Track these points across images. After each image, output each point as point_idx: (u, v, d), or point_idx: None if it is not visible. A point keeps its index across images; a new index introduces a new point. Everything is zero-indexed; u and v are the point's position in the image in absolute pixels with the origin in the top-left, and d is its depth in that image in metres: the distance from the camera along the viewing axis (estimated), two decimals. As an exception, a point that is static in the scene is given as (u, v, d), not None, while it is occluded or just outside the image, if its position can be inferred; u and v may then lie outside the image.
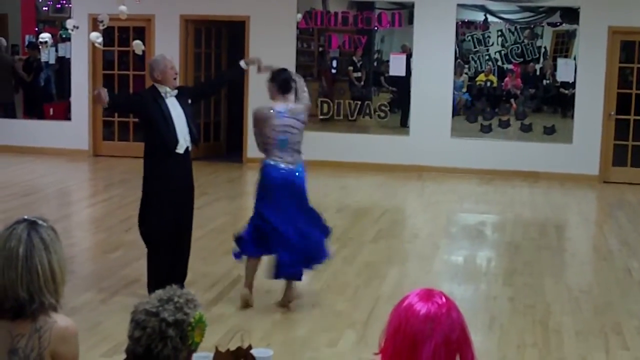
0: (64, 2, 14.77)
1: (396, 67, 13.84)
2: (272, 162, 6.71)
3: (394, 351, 2.39)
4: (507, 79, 13.68)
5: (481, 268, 8.42)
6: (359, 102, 14.05)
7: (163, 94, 6.75)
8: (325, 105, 14.11)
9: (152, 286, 6.43)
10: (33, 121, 15.08)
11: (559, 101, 13.53)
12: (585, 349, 6.14)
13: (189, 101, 6.96)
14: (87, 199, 11.90)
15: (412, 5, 13.70)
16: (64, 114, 14.93)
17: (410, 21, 13.74)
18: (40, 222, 3.09)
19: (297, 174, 6.75)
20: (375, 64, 14.06)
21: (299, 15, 13.70)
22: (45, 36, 14.76)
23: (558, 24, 13.42)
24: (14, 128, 14.93)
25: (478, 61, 13.73)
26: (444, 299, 2.42)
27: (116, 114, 14.49)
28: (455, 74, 13.71)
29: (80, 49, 14.45)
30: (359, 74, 14.05)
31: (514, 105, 13.66)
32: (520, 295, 7.39)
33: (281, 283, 7.38)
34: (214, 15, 14.23)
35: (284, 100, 6.79)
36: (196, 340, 2.72)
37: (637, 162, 13.38)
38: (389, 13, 13.81)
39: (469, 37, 13.68)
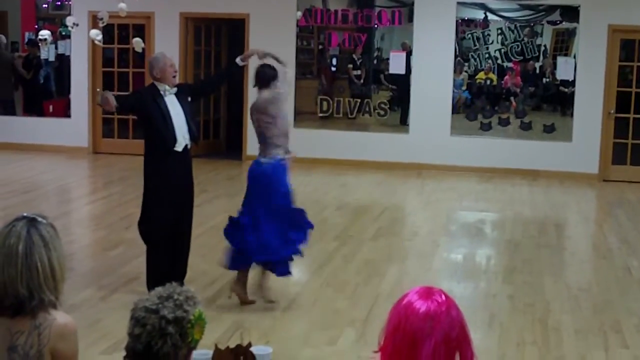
0: (64, -1, 14.77)
1: (396, 65, 13.84)
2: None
3: (394, 349, 2.39)
4: (506, 77, 13.68)
5: (481, 266, 8.42)
6: (359, 100, 14.05)
7: (162, 92, 6.75)
8: (324, 103, 14.11)
9: (152, 284, 6.43)
10: (33, 118, 15.07)
11: (558, 99, 13.53)
12: (584, 347, 6.14)
13: (189, 99, 6.96)
14: (86, 196, 11.90)
15: (412, 3, 13.69)
16: (64, 111, 14.92)
17: (410, 19, 13.74)
18: (39, 219, 3.09)
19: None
20: (375, 61, 14.06)
21: (299, 13, 13.69)
22: (44, 33, 14.75)
23: (558, 22, 13.41)
24: (13, 125, 14.93)
25: (478, 59, 13.73)
26: (443, 297, 2.42)
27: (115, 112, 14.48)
28: (455, 72, 13.71)
29: (80, 47, 14.45)
30: (359, 72, 14.05)
31: (514, 103, 13.65)
32: (520, 294, 7.39)
33: (281, 282, 7.39)
34: (213, 12, 14.22)
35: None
36: (196, 338, 2.72)
37: (636, 161, 13.38)
38: (388, 11, 13.81)
39: (469, 35, 13.68)
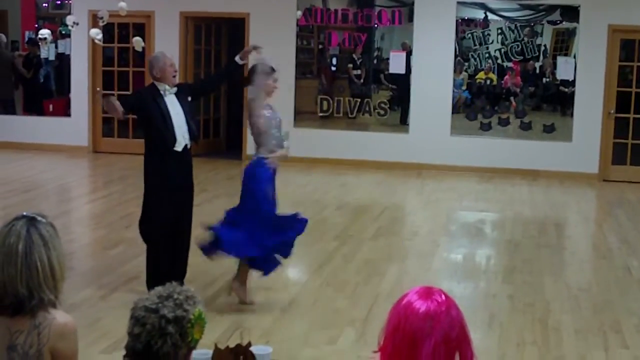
0: (64, -2, 14.77)
1: (396, 64, 13.84)
2: None
3: (394, 349, 2.39)
4: (506, 77, 13.68)
5: (481, 266, 8.42)
6: (359, 100, 14.05)
7: (162, 92, 6.75)
8: (324, 103, 14.11)
9: (152, 283, 6.43)
10: (33, 117, 15.07)
11: (558, 99, 13.52)
12: (584, 347, 6.14)
13: (189, 98, 6.95)
14: (86, 196, 11.90)
15: (412, 3, 13.69)
16: (64, 110, 14.92)
17: (410, 19, 13.74)
18: (39, 218, 3.09)
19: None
20: (375, 61, 14.05)
21: (299, 13, 13.70)
22: (44, 32, 14.75)
23: (558, 22, 13.41)
24: (13, 124, 14.93)
25: (478, 59, 13.73)
26: (443, 297, 2.42)
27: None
28: (455, 71, 13.71)
29: (80, 46, 14.45)
30: (359, 72, 14.04)
31: (514, 103, 13.65)
32: (520, 294, 7.39)
33: (282, 282, 7.40)
34: (213, 12, 14.23)
35: None
36: (196, 337, 2.72)
37: (636, 161, 13.38)
38: (389, 10, 13.81)
39: (469, 35, 13.68)
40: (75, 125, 14.72)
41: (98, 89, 14.62)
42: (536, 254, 8.83)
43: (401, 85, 13.88)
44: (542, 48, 13.50)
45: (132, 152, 13.38)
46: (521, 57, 13.58)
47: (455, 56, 13.69)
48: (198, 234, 6.98)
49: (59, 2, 14.84)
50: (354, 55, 14.03)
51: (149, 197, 6.87)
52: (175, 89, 6.82)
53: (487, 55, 13.68)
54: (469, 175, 13.27)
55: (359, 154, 13.89)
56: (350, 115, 14.08)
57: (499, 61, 13.68)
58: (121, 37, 14.50)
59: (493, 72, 13.72)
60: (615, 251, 9.06)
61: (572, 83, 13.37)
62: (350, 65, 14.06)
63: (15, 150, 14.45)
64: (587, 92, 13.28)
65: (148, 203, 6.88)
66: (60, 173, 13.14)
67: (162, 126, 6.66)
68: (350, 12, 13.92)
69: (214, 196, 11.13)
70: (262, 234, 6.53)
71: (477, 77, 13.76)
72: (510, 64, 13.64)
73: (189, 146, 6.87)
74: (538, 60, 13.56)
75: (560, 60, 13.43)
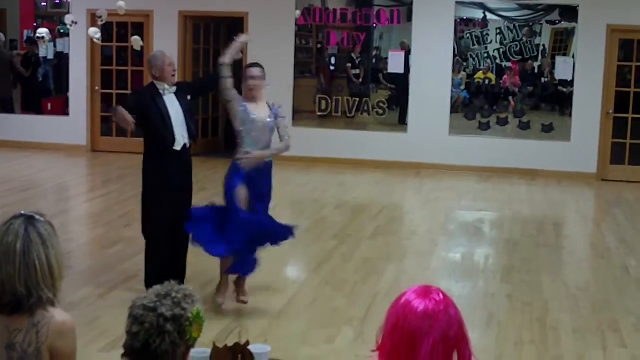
0: (63, -3, 14.77)
1: (395, 64, 13.84)
2: None
3: (392, 348, 2.39)
4: (505, 76, 13.68)
5: (479, 265, 8.42)
6: (358, 99, 14.05)
7: (161, 91, 6.76)
8: (323, 102, 14.11)
9: (150, 282, 6.43)
10: (31, 116, 15.06)
11: (557, 99, 13.53)
12: (582, 347, 6.14)
13: (188, 97, 6.95)
14: (85, 194, 11.90)
15: (411, 3, 13.69)
16: (62, 109, 14.92)
17: (409, 18, 13.74)
18: (37, 217, 3.09)
19: None
20: (373, 61, 14.05)
21: (298, 12, 13.69)
22: (42, 31, 14.69)
23: (557, 22, 13.42)
24: (12, 123, 14.93)
25: (476, 59, 13.73)
26: (441, 296, 2.42)
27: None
28: (453, 71, 13.71)
29: (79, 45, 14.44)
30: (358, 71, 14.04)
31: (512, 103, 13.65)
32: (518, 293, 7.39)
33: (281, 281, 7.41)
34: (212, 11, 14.23)
35: None
36: (194, 336, 2.72)
37: (635, 160, 13.38)
38: (387, 10, 13.80)
39: (468, 35, 13.68)
40: (74, 124, 14.71)
41: (97, 87, 14.62)
42: (535, 253, 8.83)
43: (400, 84, 13.88)
44: (541, 48, 13.50)
45: (130, 151, 13.38)
46: (520, 57, 13.58)
47: (454, 56, 13.69)
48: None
49: (57, 1, 14.83)
50: (352, 55, 14.03)
51: (147, 197, 6.87)
52: (174, 88, 6.82)
53: (485, 55, 13.68)
54: (467, 175, 13.27)
55: (357, 153, 13.89)
56: (349, 115, 14.08)
57: (498, 61, 13.68)
58: (120, 36, 14.49)
59: (492, 72, 13.72)
60: (613, 250, 9.07)
61: (570, 83, 13.37)
62: (349, 65, 14.06)
63: (13, 149, 14.44)
64: (585, 92, 13.29)
65: (146, 202, 6.87)
66: (58, 172, 13.14)
67: (161, 126, 6.66)
68: (349, 12, 13.92)
69: (212, 195, 11.09)
70: (230, 232, 6.46)
71: (475, 76, 13.76)
72: (509, 64, 13.64)
73: (188, 145, 6.87)
74: (537, 60, 13.57)
75: (559, 60, 13.43)
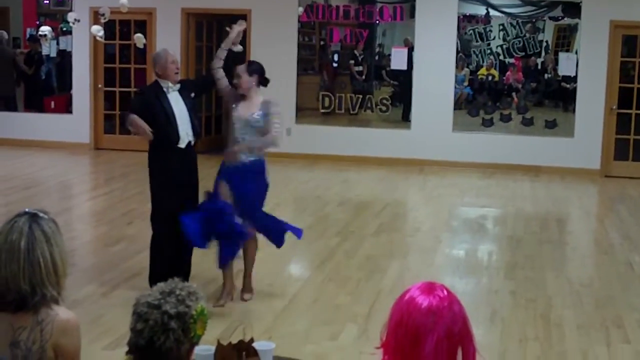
0: (65, -5, 14.77)
1: (398, 60, 13.83)
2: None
3: (396, 345, 2.39)
4: (508, 73, 13.67)
5: (483, 262, 8.42)
6: (361, 96, 14.04)
7: (165, 89, 6.76)
8: (326, 99, 14.10)
9: (154, 279, 6.43)
10: (34, 114, 15.08)
11: (560, 95, 13.51)
12: (586, 343, 6.14)
13: (192, 95, 6.95)
14: (88, 192, 11.91)
15: (413, -1, 13.70)
16: (65, 107, 14.93)
17: (412, 15, 13.73)
18: (41, 214, 3.09)
19: None
20: (376, 57, 14.05)
21: (301, 9, 13.68)
22: (45, 29, 14.74)
23: (560, 18, 13.40)
24: (15, 121, 14.93)
25: (480, 55, 13.72)
26: (445, 292, 2.42)
27: (117, 107, 14.54)
28: (456, 67, 13.70)
29: (82, 42, 14.45)
30: (361, 68, 14.04)
31: (516, 99, 13.65)
32: (522, 289, 7.39)
33: (284, 278, 7.40)
34: (215, 8, 14.22)
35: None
36: (198, 333, 2.72)
37: (638, 156, 13.37)
38: (390, 7, 13.79)
39: (471, 31, 13.67)
40: (77, 122, 14.72)
41: (99, 85, 14.62)
42: (538, 249, 8.83)
43: (403, 81, 13.87)
44: (544, 44, 13.49)
45: (133, 149, 13.38)
46: (523, 53, 13.57)
47: (457, 52, 13.68)
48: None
49: (60, -1, 14.84)
50: (355, 52, 14.03)
51: (153, 195, 6.89)
52: (178, 86, 6.82)
53: (488, 51, 13.67)
54: (470, 171, 13.26)
55: (360, 150, 13.89)
56: (352, 112, 14.07)
57: (501, 57, 13.67)
58: (122, 34, 14.48)
59: (495, 68, 13.71)
60: (617, 247, 9.06)
61: (573, 79, 13.36)
62: (352, 62, 14.05)
63: (16, 147, 14.45)
64: (589, 88, 13.27)
65: (153, 200, 6.90)
66: (61, 170, 13.15)
67: (165, 124, 6.66)
68: (351, 9, 13.91)
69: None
70: (209, 224, 6.53)
71: (479, 73, 13.75)
72: (512, 60, 13.63)
73: (192, 143, 6.87)
74: (540, 56, 13.55)
75: (562, 56, 13.42)
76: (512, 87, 13.66)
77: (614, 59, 13.25)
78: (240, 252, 6.85)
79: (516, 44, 13.57)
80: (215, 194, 6.69)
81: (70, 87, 14.82)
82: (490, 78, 13.73)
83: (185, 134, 6.77)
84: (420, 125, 13.75)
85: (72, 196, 11.72)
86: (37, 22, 14.95)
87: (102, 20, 7.90)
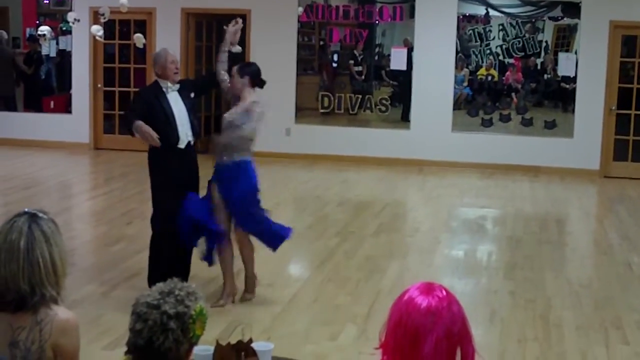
0: (65, -5, 14.77)
1: (397, 61, 13.83)
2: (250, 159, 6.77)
3: (395, 345, 2.39)
4: (508, 73, 13.67)
5: (482, 262, 8.42)
6: (360, 96, 14.05)
7: (165, 89, 6.76)
8: (326, 99, 14.11)
9: (153, 279, 6.43)
10: (34, 114, 15.08)
11: (560, 95, 13.52)
12: (585, 344, 6.14)
13: (192, 95, 6.95)
14: (87, 192, 11.90)
15: (413, -1, 13.70)
16: (65, 107, 14.93)
17: (412, 15, 13.73)
18: (40, 214, 3.09)
19: None
20: (376, 57, 14.05)
21: (300, 9, 13.69)
22: (44, 29, 14.72)
23: (559, 18, 13.41)
24: (14, 121, 14.93)
25: (479, 55, 13.72)
26: (444, 293, 2.42)
27: (117, 107, 14.54)
28: (456, 68, 13.70)
29: (81, 42, 14.45)
30: (360, 68, 14.04)
31: (515, 99, 13.65)
32: (521, 290, 7.39)
33: (284, 278, 7.39)
34: (215, 8, 14.21)
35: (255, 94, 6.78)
36: (197, 333, 2.72)
37: (637, 157, 13.37)
38: (390, 7, 13.79)
39: (470, 31, 13.67)
40: (76, 122, 14.72)
41: (99, 85, 14.62)
42: (537, 250, 8.83)
43: (402, 81, 13.87)
44: (544, 44, 13.49)
45: (133, 149, 13.37)
46: (522, 54, 13.58)
47: (457, 52, 13.68)
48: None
49: (60, -1, 14.84)
50: (355, 52, 14.03)
51: (154, 194, 6.89)
52: (177, 86, 6.82)
53: (488, 51, 13.67)
54: (470, 172, 13.26)
55: (360, 150, 13.89)
56: (351, 112, 14.08)
57: (500, 57, 13.67)
58: (122, 33, 14.49)
59: (494, 69, 13.71)
60: (616, 247, 9.06)
61: (573, 79, 13.36)
62: (352, 62, 14.05)
63: (16, 147, 14.45)
64: (588, 89, 13.28)
65: (153, 200, 6.90)
66: (61, 170, 13.15)
67: (165, 124, 6.66)
68: (351, 9, 13.91)
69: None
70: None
71: (478, 73, 13.76)
72: (511, 60, 13.64)
73: (192, 143, 6.87)
74: (539, 57, 13.56)
75: (562, 56, 13.42)
76: (511, 87, 13.66)
77: (614, 59, 13.25)
78: (237, 252, 6.86)
79: (516, 44, 13.58)
80: (206, 196, 6.76)
81: (70, 87, 14.82)
82: (489, 78, 13.73)
83: (185, 134, 6.77)
84: (419, 126, 13.76)
85: (72, 196, 11.72)
86: (37, 22, 14.95)
87: (102, 20, 7.90)
